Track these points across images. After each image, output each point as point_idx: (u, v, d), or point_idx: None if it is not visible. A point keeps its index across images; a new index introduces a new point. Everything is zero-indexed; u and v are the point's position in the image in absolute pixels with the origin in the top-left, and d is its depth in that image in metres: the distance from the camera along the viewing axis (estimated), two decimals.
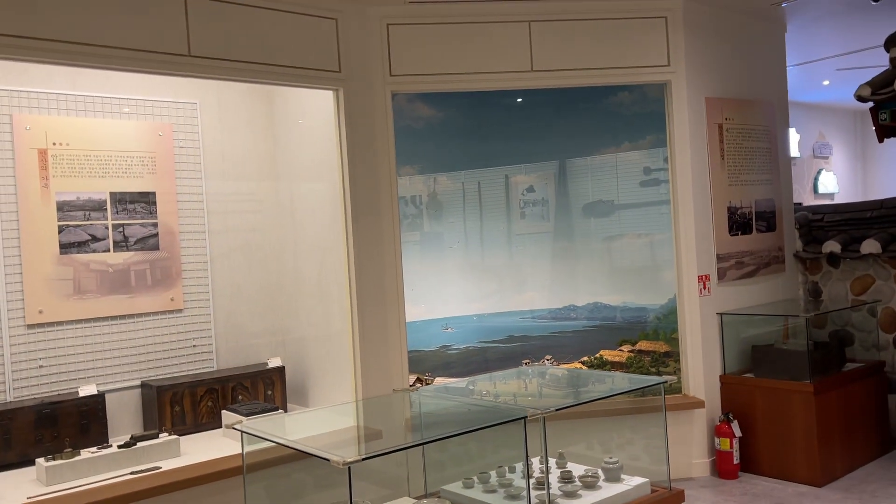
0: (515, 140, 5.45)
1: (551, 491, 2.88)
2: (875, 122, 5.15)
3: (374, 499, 2.73)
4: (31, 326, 4.33)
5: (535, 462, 3.21)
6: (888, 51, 5.21)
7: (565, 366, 5.36)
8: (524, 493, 2.73)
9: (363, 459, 1.99)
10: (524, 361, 5.41)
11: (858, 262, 5.64)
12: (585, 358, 5.43)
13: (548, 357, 5.54)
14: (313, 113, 4.94)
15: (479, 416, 2.81)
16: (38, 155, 4.38)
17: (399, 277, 4.78)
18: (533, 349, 5.45)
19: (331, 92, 4.63)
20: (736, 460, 5.00)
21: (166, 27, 3.89)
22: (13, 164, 4.29)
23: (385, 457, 2.54)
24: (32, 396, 4.26)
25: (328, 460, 2.02)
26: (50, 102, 4.45)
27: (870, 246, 5.42)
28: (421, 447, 3.04)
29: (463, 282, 5.41)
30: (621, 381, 3.74)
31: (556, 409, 2.60)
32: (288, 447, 2.32)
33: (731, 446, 4.98)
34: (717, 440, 5.04)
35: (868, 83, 5.07)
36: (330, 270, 4.88)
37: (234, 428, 2.58)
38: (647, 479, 3.02)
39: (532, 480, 3.04)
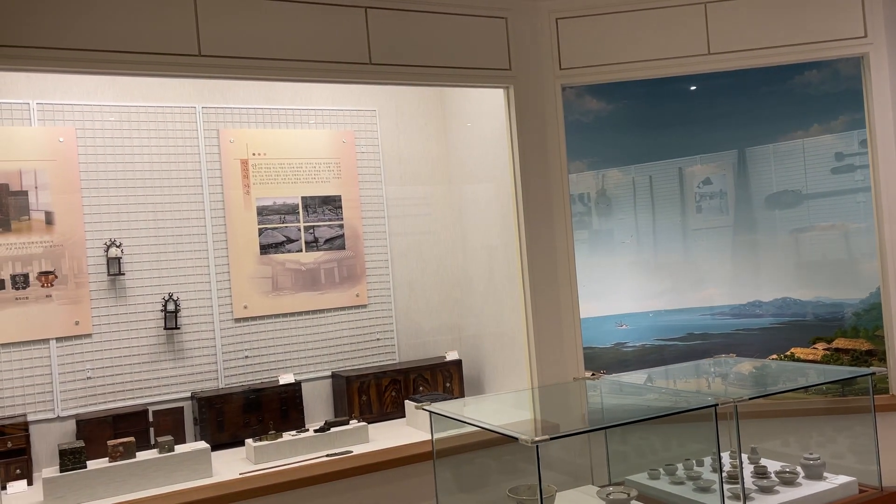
0: (689, 130, 5.24)
1: (745, 486, 2.75)
2: None
3: (558, 484, 2.75)
4: (237, 320, 4.79)
5: (725, 457, 3.07)
6: None
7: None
8: (715, 487, 2.63)
9: (550, 439, 2.02)
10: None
11: None
12: (774, 356, 5.10)
13: (732, 355, 5.27)
14: (484, 113, 5.06)
15: (665, 405, 2.74)
16: (240, 165, 4.84)
17: (572, 274, 4.76)
18: (715, 347, 5.20)
19: (501, 90, 4.72)
20: None
21: (348, 37, 4.16)
22: (220, 173, 4.78)
23: (569, 446, 2.56)
24: (240, 384, 4.71)
25: (516, 439, 2.07)
26: (249, 116, 4.91)
27: None
28: (604, 438, 3.02)
29: (635, 278, 5.27)
30: (819, 374, 3.47)
31: (750, 398, 2.48)
32: (475, 426, 2.40)
33: None
34: None
35: None
36: (499, 268, 4.97)
37: (423, 408, 2.71)
38: (854, 478, 2.79)
39: (723, 475, 2.93)
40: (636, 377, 4.17)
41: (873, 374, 2.86)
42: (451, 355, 5.22)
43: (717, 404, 2.43)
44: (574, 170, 5.09)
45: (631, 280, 5.26)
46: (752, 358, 5.08)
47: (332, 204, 5.12)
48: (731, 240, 5.23)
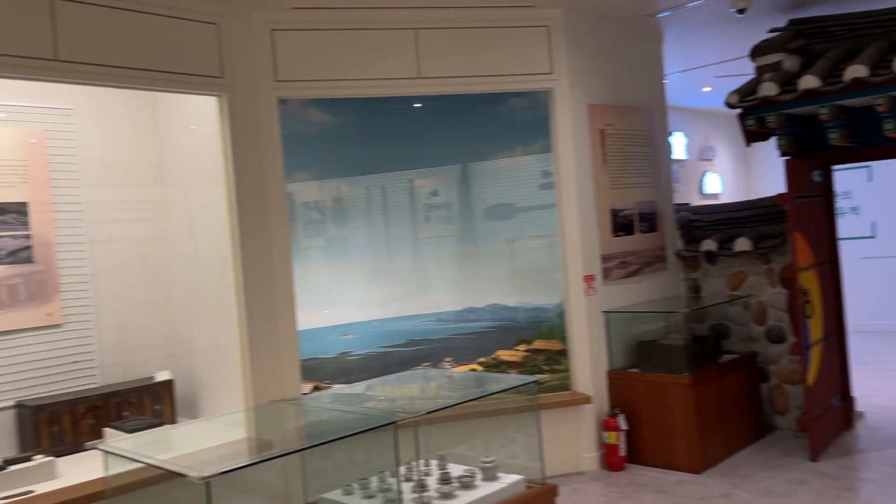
0: (416, 145, 5.49)
1: (428, 493, 2.93)
2: (743, 127, 5.48)
3: None
4: None
5: (421, 465, 3.26)
6: (754, 60, 5.55)
7: (464, 367, 5.44)
8: (403, 497, 2.76)
9: (220, 474, 1.97)
10: (424, 365, 5.46)
11: (733, 259, 5.98)
12: (482, 359, 5.52)
13: (447, 359, 5.61)
14: (202, 118, 4.84)
15: (350, 424, 2.82)
16: None
17: (289, 285, 4.73)
18: (434, 352, 5.50)
19: (214, 98, 4.55)
20: (622, 452, 5.20)
21: (30, 30, 3.72)
22: None
23: (265, 469, 2.52)
24: None
25: (185, 476, 1.99)
26: None
27: (742, 244, 5.75)
28: (301, 455, 3.03)
29: (368, 287, 5.40)
30: (500, 382, 3.83)
31: (428, 413, 2.64)
32: (147, 463, 2.27)
33: (618, 439, 5.18)
34: (604, 434, 5.24)
35: (737, 91, 5.40)
36: (219, 280, 4.79)
37: (94, 448, 2.50)
38: (522, 477, 3.11)
39: (412, 483, 3.09)
40: (345, 390, 4.24)
41: (536, 381, 3.21)
42: (162, 375, 4.90)
43: (396, 422, 2.55)
44: (300, 179, 5.08)
45: (363, 288, 5.37)
46: (466, 362, 5.45)
47: (16, 211, 4.54)
48: (456, 249, 5.57)
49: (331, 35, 4.83)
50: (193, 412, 5.05)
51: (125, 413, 4.67)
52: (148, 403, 4.78)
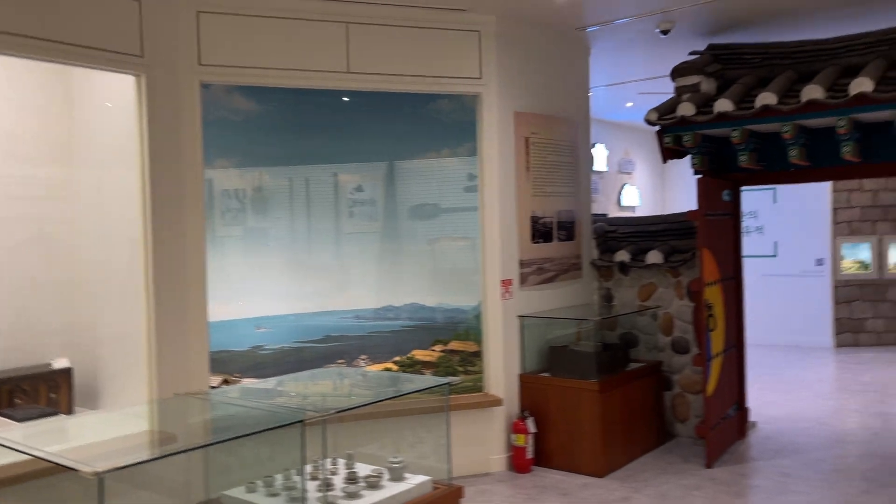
0: (343, 139, 5.43)
1: (333, 493, 2.91)
2: (661, 144, 5.68)
3: None
4: None
5: (329, 464, 3.23)
6: (674, 80, 5.77)
7: (379, 366, 5.42)
8: (307, 496, 2.73)
9: (115, 469, 1.90)
10: (338, 362, 5.41)
11: (644, 271, 6.19)
12: (398, 358, 5.52)
13: (363, 357, 5.57)
14: (119, 97, 4.65)
15: (256, 421, 2.77)
16: None
17: (202, 273, 4.60)
18: (350, 349, 5.45)
19: (132, 77, 4.38)
20: (530, 455, 5.31)
21: None
22: None
23: (166, 464, 2.45)
24: None
25: (77, 471, 1.91)
26: None
27: (654, 256, 5.96)
28: (204, 451, 2.95)
29: (286, 280, 5.30)
30: (413, 382, 3.84)
31: (337, 412, 2.62)
32: (35, 457, 2.16)
33: (526, 442, 5.28)
34: (513, 436, 5.33)
35: (656, 109, 5.59)
36: (129, 265, 4.61)
37: None
38: (429, 478, 3.12)
39: (318, 482, 3.06)
40: (255, 385, 4.16)
41: (448, 384, 3.24)
42: (60, 363, 4.68)
43: (304, 420, 2.52)
44: (220, 166, 4.94)
45: (279, 282, 5.26)
46: (381, 360, 5.43)
47: None
48: (379, 246, 5.54)
49: (260, 22, 4.73)
50: (94, 403, 4.85)
51: (17, 401, 4.44)
52: (43, 392, 4.56)
